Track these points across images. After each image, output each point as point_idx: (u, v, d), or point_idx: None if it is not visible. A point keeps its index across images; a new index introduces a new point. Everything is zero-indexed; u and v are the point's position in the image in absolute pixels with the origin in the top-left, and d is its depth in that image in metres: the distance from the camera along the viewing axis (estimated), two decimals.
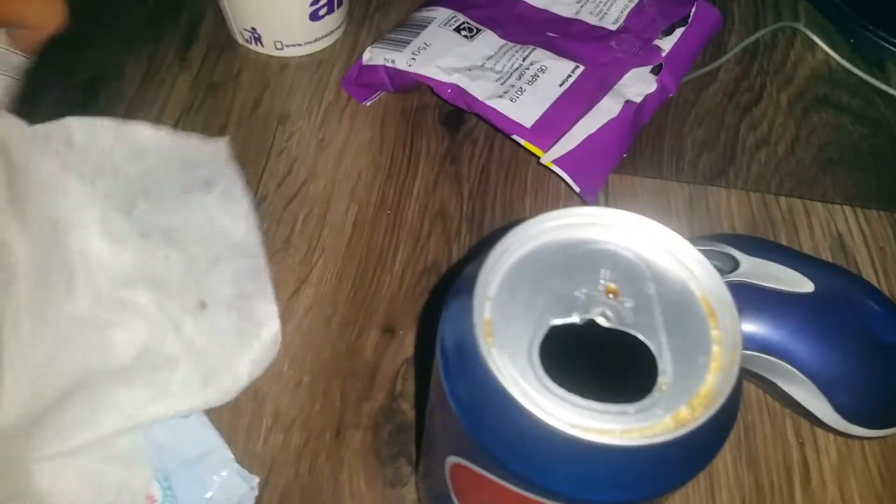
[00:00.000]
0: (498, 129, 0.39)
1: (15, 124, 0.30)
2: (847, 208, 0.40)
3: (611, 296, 0.19)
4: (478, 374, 0.18)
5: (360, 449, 0.31)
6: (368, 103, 0.43)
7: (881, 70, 0.47)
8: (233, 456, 0.29)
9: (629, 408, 0.17)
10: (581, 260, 0.20)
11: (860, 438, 0.31)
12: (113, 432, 0.28)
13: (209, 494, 0.29)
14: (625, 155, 0.41)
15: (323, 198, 0.39)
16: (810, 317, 0.30)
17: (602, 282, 0.19)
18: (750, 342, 0.30)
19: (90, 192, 0.29)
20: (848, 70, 0.46)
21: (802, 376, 0.30)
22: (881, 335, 0.30)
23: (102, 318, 0.28)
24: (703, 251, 0.20)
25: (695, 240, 0.34)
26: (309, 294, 0.35)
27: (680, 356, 0.18)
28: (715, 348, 0.18)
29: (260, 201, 0.38)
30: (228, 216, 0.31)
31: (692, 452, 0.17)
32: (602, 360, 0.19)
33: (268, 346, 0.30)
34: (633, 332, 0.18)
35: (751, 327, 0.30)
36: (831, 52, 0.47)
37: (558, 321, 0.19)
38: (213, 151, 0.32)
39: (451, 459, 0.21)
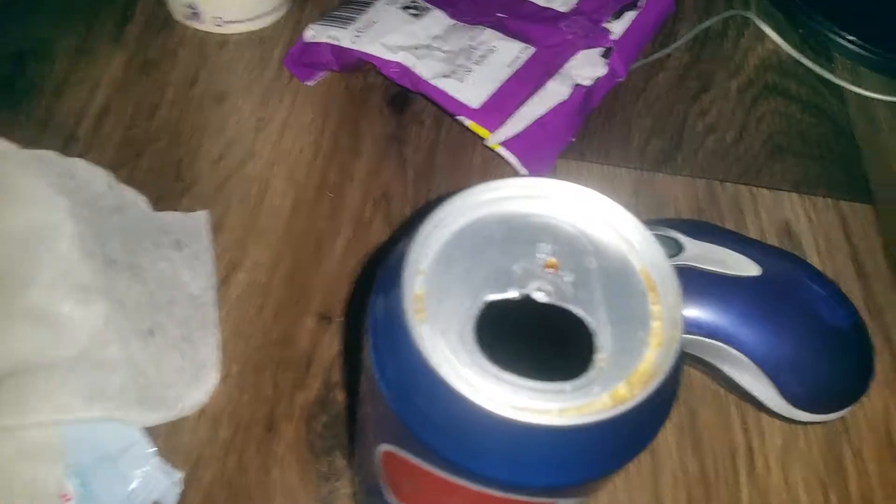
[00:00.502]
0: (444, 110, 0.38)
1: (3, 146, 0.34)
2: (794, 195, 0.40)
3: (550, 270, 0.18)
4: (407, 352, 0.16)
5: (292, 442, 0.29)
6: (312, 83, 0.41)
7: (828, 60, 0.47)
8: (154, 450, 0.27)
9: (566, 386, 0.16)
10: (519, 233, 0.19)
11: (805, 423, 0.31)
12: (41, 422, 0.27)
13: (131, 487, 0.27)
14: (572, 139, 0.40)
15: (261, 179, 0.37)
16: (756, 300, 0.29)
17: (541, 255, 0.18)
18: (695, 327, 0.30)
19: (75, 214, 0.31)
20: (797, 60, 0.46)
21: (748, 361, 0.29)
22: (826, 318, 0.30)
23: (51, 313, 0.29)
24: None
25: None
26: (242, 279, 0.33)
27: (619, 332, 0.17)
28: (655, 323, 0.17)
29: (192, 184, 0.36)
30: (191, 273, 0.32)
31: (631, 432, 0.16)
32: (539, 337, 0.18)
33: (202, 391, 0.30)
34: (570, 308, 0.17)
35: (696, 312, 0.30)
36: (781, 42, 0.47)
37: (494, 296, 0.17)
38: (191, 222, 0.34)
39: (382, 447, 0.20)
